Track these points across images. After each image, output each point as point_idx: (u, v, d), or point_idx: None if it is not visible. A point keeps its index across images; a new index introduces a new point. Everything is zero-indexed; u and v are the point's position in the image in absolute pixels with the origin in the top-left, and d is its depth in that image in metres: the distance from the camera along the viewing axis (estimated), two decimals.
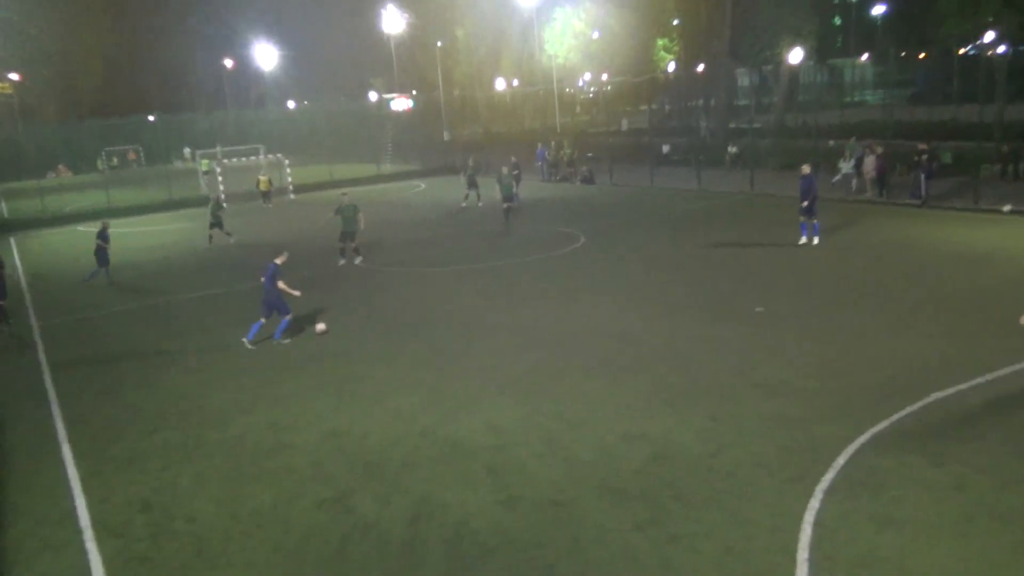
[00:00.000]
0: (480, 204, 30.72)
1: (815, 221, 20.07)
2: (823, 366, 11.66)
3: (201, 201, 38.58)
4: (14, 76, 74.82)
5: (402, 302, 17.33)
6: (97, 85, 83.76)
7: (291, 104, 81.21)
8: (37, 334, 17.17)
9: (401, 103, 65.09)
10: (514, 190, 26.14)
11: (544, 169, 39.49)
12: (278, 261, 14.90)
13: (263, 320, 14.81)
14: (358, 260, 21.61)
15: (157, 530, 8.55)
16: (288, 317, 14.89)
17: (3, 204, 44.53)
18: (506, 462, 9.38)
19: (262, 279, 14.84)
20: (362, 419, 11.00)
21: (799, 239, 20.05)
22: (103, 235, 21.97)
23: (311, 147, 51.92)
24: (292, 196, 39.56)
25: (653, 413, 10.43)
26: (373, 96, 77.33)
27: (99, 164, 59.79)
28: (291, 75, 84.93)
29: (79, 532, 8.65)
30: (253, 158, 42.51)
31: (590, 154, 42.15)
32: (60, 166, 62.92)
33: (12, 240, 32.66)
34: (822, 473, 8.51)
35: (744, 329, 13.65)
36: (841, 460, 8.76)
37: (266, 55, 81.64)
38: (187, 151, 45.61)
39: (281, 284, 14.68)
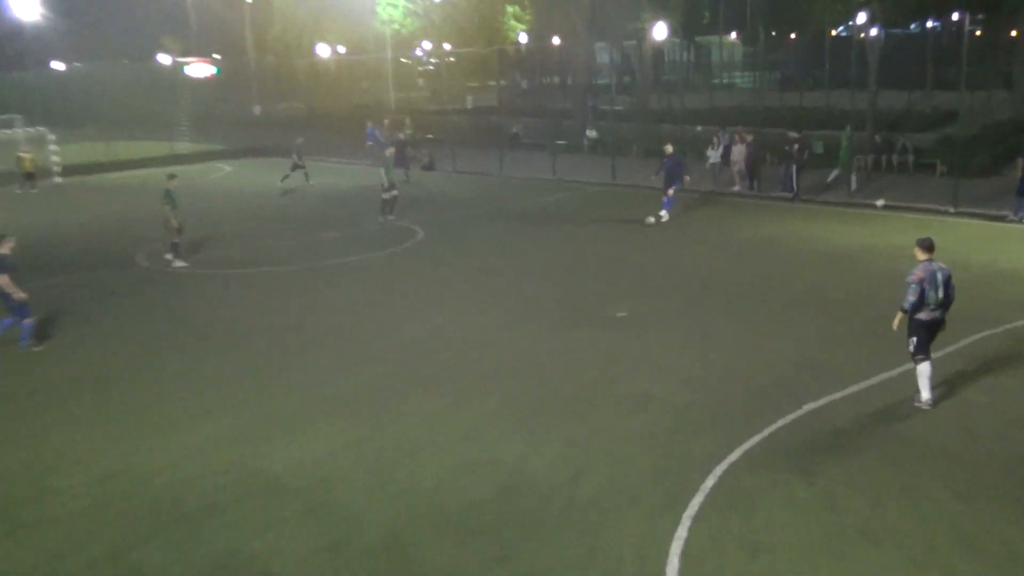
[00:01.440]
0: (311, 183, 32.24)
1: (668, 196, 22.97)
2: (690, 376, 12.18)
3: None
4: None
5: (206, 310, 16.69)
6: None
7: (59, 66, 76.29)
8: None
9: (200, 69, 62.66)
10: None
11: (375, 152, 39.13)
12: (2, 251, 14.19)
13: (9, 320, 14.47)
14: (170, 257, 20.54)
15: None
16: (30, 320, 14.44)
17: None
18: (330, 501, 9.19)
19: None
20: (152, 453, 10.45)
21: (658, 211, 23.09)
22: None
23: (85, 119, 49.09)
24: (58, 180, 37.19)
25: (503, 436, 10.53)
26: (165, 59, 74.01)
27: None
28: (59, 30, 79.77)
29: None
30: (7, 131, 39.59)
31: (430, 135, 42.21)
32: None
33: None
34: (691, 497, 8.87)
35: (605, 336, 14.06)
36: (710, 482, 9.17)
37: (25, 5, 76.33)
38: None
39: (5, 279, 13.97)
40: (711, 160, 28.90)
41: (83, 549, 8.50)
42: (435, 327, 15.03)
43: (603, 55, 68.85)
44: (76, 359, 14.16)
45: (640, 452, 9.96)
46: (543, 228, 23.30)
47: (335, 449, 10.37)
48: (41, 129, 38.73)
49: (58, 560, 8.35)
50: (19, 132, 39.19)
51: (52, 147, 37.88)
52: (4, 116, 42.50)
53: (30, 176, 34.55)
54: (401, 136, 35.74)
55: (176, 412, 11.71)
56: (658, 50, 54.73)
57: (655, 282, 17.50)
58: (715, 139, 29.63)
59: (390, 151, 26.63)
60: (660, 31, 44.01)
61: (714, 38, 76.01)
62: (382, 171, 25.07)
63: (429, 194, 29.89)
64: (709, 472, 9.36)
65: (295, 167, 32.00)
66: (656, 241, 21.19)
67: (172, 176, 20.85)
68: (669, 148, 23.85)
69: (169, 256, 20.48)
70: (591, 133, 39.56)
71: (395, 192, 24.99)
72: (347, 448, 10.39)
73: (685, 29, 56.45)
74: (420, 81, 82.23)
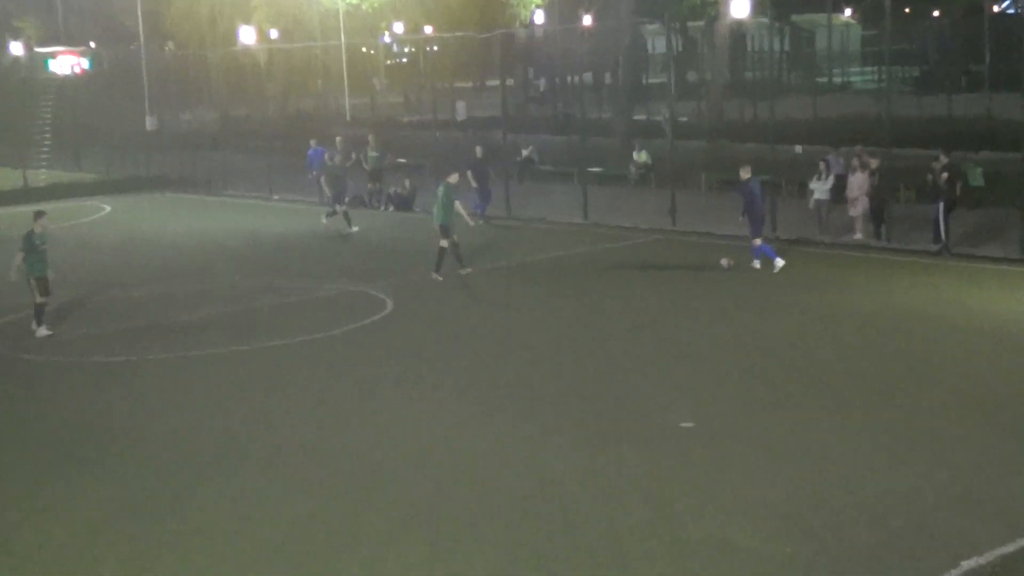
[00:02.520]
0: (354, 229, 32.89)
1: (758, 242, 24.19)
2: (787, 516, 12.07)
3: None
4: None
5: (74, 414, 16.80)
6: None
7: None
8: None
9: (68, 62, 63.71)
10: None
11: (323, 185, 39.37)
12: None
13: None
14: (42, 331, 21.29)
15: None
16: None
17: None
18: None
19: None
20: None
21: (751, 262, 24.55)
22: None
23: None
24: None
25: None
26: (18, 48, 75.27)
27: None
28: None
29: None
30: None
31: (403, 160, 42.57)
32: None
33: None
34: None
35: (661, 455, 13.99)
36: None
37: None
38: None
39: None
40: (816, 196, 28.96)
41: None
42: (409, 437, 15.00)
43: (656, 41, 69.56)
44: None
45: None
46: (567, 298, 23.34)
47: None
48: None
49: None
50: None
51: None
52: None
53: None
54: (478, 152, 34.89)
55: (38, 561, 11.68)
56: (737, 34, 55.38)
57: (734, 375, 17.44)
58: (822, 165, 29.72)
59: (454, 178, 26.25)
60: (740, 7, 44.55)
61: (820, 17, 76.56)
62: (434, 210, 25.34)
63: (403, 247, 30.07)
64: None
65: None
66: (735, 314, 21.14)
67: (40, 213, 21.52)
68: (745, 172, 24.65)
69: (34, 326, 21.14)
70: (640, 156, 39.83)
71: (455, 238, 25.26)
72: None
73: (777, 5, 57.10)
74: (378, 81, 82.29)
